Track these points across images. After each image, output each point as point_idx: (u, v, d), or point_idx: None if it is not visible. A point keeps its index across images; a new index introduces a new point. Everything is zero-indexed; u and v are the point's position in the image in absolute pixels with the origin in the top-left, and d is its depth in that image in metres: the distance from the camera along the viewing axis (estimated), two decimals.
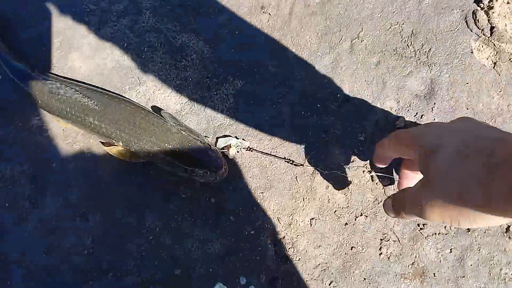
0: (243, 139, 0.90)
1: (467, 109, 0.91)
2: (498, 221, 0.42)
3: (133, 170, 0.87)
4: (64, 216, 0.86)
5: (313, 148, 0.90)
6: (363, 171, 0.89)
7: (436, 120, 0.91)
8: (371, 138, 0.90)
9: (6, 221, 0.85)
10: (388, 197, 0.66)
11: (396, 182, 0.87)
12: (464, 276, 0.85)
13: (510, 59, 0.91)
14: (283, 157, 0.89)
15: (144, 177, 0.88)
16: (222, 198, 0.87)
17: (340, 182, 0.89)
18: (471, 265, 0.85)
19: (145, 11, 0.96)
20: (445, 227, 0.86)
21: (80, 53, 0.93)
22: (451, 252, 0.85)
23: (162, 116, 0.85)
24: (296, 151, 0.90)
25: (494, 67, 0.92)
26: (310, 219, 0.88)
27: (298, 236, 0.87)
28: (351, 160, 0.89)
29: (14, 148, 0.89)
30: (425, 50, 0.93)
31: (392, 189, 0.89)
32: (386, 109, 0.91)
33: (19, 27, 0.94)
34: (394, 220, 0.87)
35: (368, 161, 0.89)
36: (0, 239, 0.84)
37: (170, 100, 0.92)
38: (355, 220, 0.88)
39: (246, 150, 0.88)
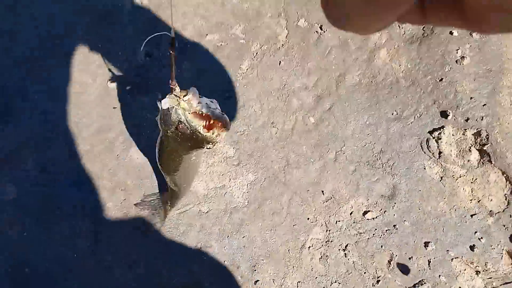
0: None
1: (419, 209, 1.23)
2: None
3: (172, 239, 1.23)
4: (117, 264, 1.22)
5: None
6: (344, 252, 1.23)
7: (395, 216, 1.24)
8: (348, 223, 1.23)
9: (73, 265, 1.21)
10: None
11: None
12: None
13: (452, 176, 1.23)
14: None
15: (181, 251, 1.23)
16: (233, 262, 1.22)
17: None
18: None
19: None
20: None
21: (137, 148, 1.28)
22: None
23: None
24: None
25: (440, 180, 1.24)
26: (297, 282, 1.22)
27: None
28: None
29: (80, 210, 1.24)
30: (389, 164, 1.25)
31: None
32: (358, 204, 1.24)
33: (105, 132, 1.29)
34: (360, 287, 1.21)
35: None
36: (67, 276, 1.21)
37: (199, 185, 1.27)
38: (331, 285, 1.22)
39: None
